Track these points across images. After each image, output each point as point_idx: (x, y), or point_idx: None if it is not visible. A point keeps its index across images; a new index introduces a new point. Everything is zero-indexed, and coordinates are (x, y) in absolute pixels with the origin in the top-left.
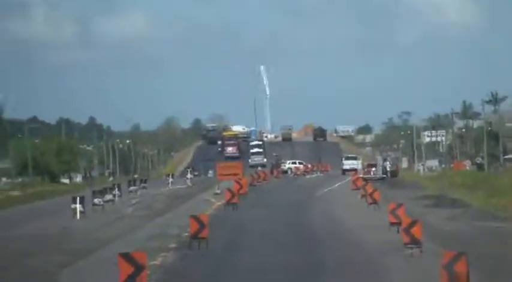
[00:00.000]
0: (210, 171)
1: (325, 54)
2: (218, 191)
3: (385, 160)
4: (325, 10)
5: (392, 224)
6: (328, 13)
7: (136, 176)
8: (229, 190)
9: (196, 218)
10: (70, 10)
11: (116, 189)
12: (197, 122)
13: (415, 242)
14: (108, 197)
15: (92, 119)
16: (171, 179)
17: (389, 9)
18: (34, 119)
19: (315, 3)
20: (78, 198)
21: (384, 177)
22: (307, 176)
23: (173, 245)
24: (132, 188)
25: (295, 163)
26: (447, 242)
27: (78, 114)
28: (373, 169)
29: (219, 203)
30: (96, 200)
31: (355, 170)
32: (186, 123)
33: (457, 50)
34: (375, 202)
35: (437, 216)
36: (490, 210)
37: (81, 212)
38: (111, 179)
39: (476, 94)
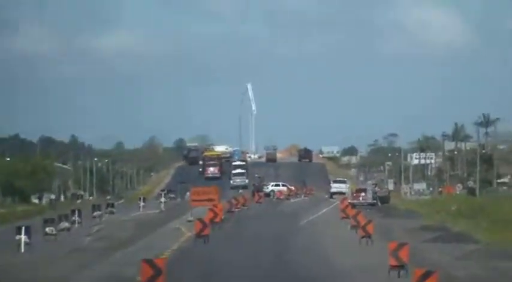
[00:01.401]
0: (188, 194)
1: (311, 74)
2: (191, 219)
3: (375, 185)
4: (312, 29)
5: (393, 267)
6: (314, 33)
7: (109, 197)
8: (200, 220)
9: (150, 263)
10: (54, 26)
11: (76, 215)
12: (180, 142)
13: None
14: (64, 225)
15: (73, 137)
16: (142, 203)
17: (376, 28)
18: (16, 137)
19: (303, 23)
20: (23, 228)
21: (374, 203)
22: (291, 200)
23: None
24: (96, 213)
25: (278, 185)
26: None
27: (61, 133)
28: (363, 194)
29: (190, 234)
30: (48, 229)
31: (343, 193)
32: (169, 143)
33: (445, 71)
34: (368, 236)
35: (446, 255)
36: (502, 246)
37: (26, 244)
38: (79, 201)
39: (465, 117)
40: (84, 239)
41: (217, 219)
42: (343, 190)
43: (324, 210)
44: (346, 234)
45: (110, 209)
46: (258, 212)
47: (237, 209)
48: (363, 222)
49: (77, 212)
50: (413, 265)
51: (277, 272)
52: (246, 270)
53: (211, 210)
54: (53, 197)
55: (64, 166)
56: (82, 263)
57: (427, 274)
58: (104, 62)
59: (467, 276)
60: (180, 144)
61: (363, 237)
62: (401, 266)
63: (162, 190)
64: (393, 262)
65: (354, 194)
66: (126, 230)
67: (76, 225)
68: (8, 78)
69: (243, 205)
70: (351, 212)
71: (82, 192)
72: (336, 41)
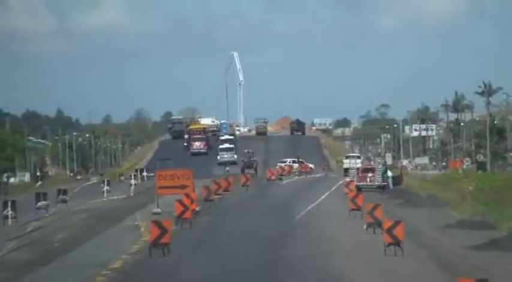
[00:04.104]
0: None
1: (301, 45)
2: (158, 210)
3: (384, 163)
4: (304, 1)
5: None
6: (305, 2)
7: (79, 177)
8: (157, 223)
9: None
10: (40, 1)
11: (9, 208)
12: (168, 115)
13: None
14: None
15: (59, 112)
16: (106, 187)
17: None
18: None
19: None
20: None
21: (385, 185)
22: (284, 181)
23: None
24: (40, 203)
25: (295, 162)
26: None
27: (47, 107)
28: (370, 175)
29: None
30: None
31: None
32: (157, 116)
33: (438, 40)
34: (397, 243)
35: None
36: None
37: None
38: (39, 183)
39: (460, 87)
40: (4, 246)
41: (186, 215)
42: (358, 166)
43: (325, 195)
44: (363, 239)
45: (61, 196)
46: (243, 200)
47: (217, 196)
48: (387, 224)
49: (9, 203)
50: None
51: None
52: None
53: (179, 202)
54: (6, 178)
55: (42, 141)
56: None
57: None
58: (92, 36)
59: None
60: (168, 118)
61: (389, 244)
62: None
63: (137, 170)
64: None
65: (360, 175)
66: (70, 228)
67: (9, 221)
68: None
69: (226, 190)
70: (365, 205)
71: (51, 171)
72: (328, 11)
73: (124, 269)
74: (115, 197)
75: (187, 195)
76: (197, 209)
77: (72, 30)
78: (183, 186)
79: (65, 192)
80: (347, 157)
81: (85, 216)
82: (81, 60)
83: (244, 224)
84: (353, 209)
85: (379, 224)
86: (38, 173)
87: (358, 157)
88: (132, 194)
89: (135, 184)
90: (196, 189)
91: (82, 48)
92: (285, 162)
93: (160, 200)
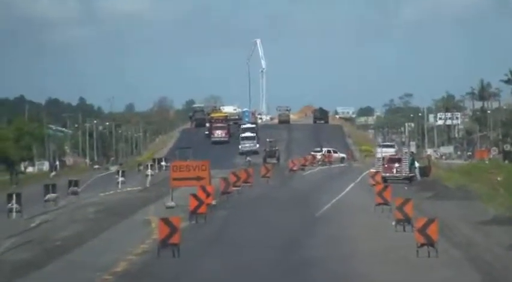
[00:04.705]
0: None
1: (325, 33)
2: (172, 204)
3: (412, 153)
4: None
5: None
6: None
7: (97, 166)
8: (165, 221)
9: None
10: None
11: (14, 201)
12: (191, 103)
13: None
14: None
15: (82, 100)
16: (121, 178)
17: None
18: (21, 99)
19: None
20: None
21: (412, 176)
22: (307, 172)
23: None
24: (49, 196)
25: (330, 151)
26: None
27: (70, 95)
28: (397, 165)
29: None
30: None
31: None
32: (179, 105)
33: (463, 27)
34: (430, 243)
35: None
36: None
37: None
38: (53, 174)
39: (486, 74)
40: (1, 244)
41: (201, 210)
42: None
43: (349, 187)
44: (391, 237)
45: (72, 188)
46: (262, 193)
47: (236, 188)
48: (420, 223)
49: (14, 196)
50: None
51: None
52: None
53: (193, 196)
54: (24, 168)
55: (62, 129)
56: None
57: None
58: (115, 24)
59: None
60: (190, 106)
61: (422, 245)
62: None
63: (154, 159)
64: None
65: (386, 165)
66: (76, 224)
67: (13, 215)
68: (17, 40)
69: (246, 181)
70: (395, 199)
71: (69, 160)
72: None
73: (128, 273)
74: (130, 189)
75: (203, 188)
76: (213, 202)
77: (96, 18)
78: (198, 178)
79: (76, 183)
80: (380, 146)
81: (95, 210)
82: (105, 48)
83: (262, 219)
84: (380, 203)
85: (408, 221)
86: (57, 162)
87: (392, 146)
88: (148, 185)
89: (151, 175)
90: (215, 179)
91: (105, 36)
92: (320, 151)
93: (177, 192)
